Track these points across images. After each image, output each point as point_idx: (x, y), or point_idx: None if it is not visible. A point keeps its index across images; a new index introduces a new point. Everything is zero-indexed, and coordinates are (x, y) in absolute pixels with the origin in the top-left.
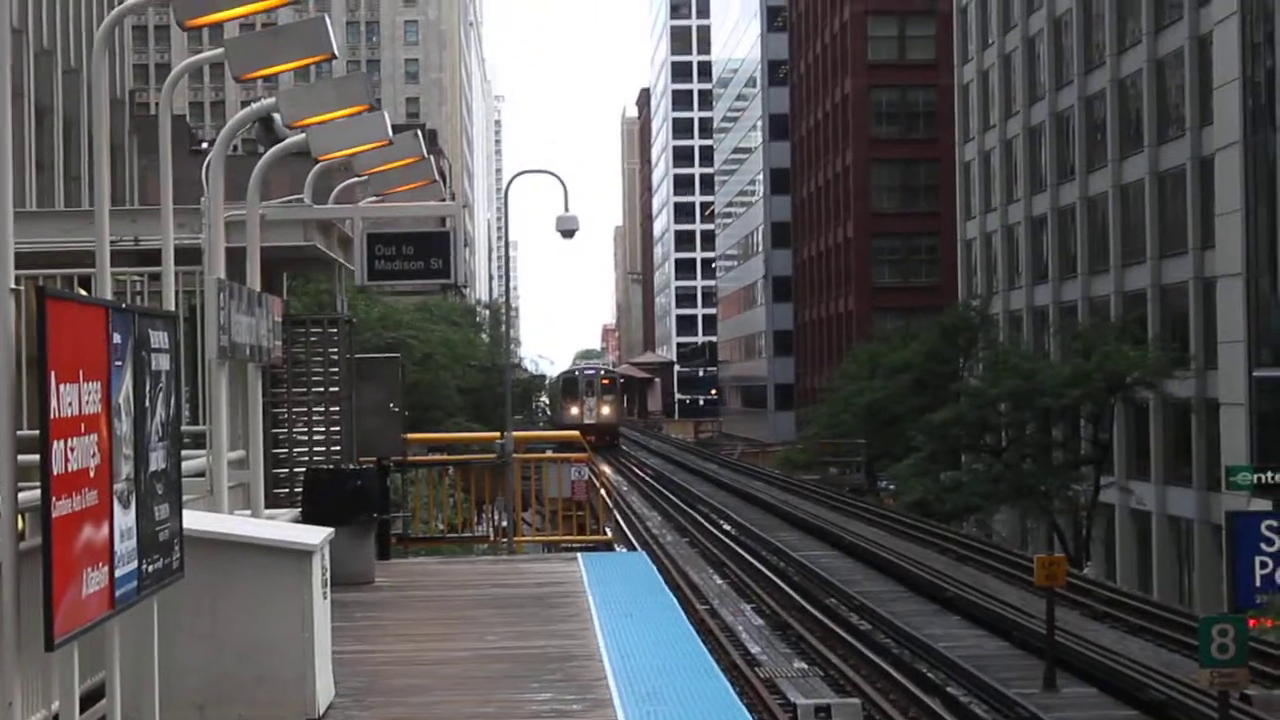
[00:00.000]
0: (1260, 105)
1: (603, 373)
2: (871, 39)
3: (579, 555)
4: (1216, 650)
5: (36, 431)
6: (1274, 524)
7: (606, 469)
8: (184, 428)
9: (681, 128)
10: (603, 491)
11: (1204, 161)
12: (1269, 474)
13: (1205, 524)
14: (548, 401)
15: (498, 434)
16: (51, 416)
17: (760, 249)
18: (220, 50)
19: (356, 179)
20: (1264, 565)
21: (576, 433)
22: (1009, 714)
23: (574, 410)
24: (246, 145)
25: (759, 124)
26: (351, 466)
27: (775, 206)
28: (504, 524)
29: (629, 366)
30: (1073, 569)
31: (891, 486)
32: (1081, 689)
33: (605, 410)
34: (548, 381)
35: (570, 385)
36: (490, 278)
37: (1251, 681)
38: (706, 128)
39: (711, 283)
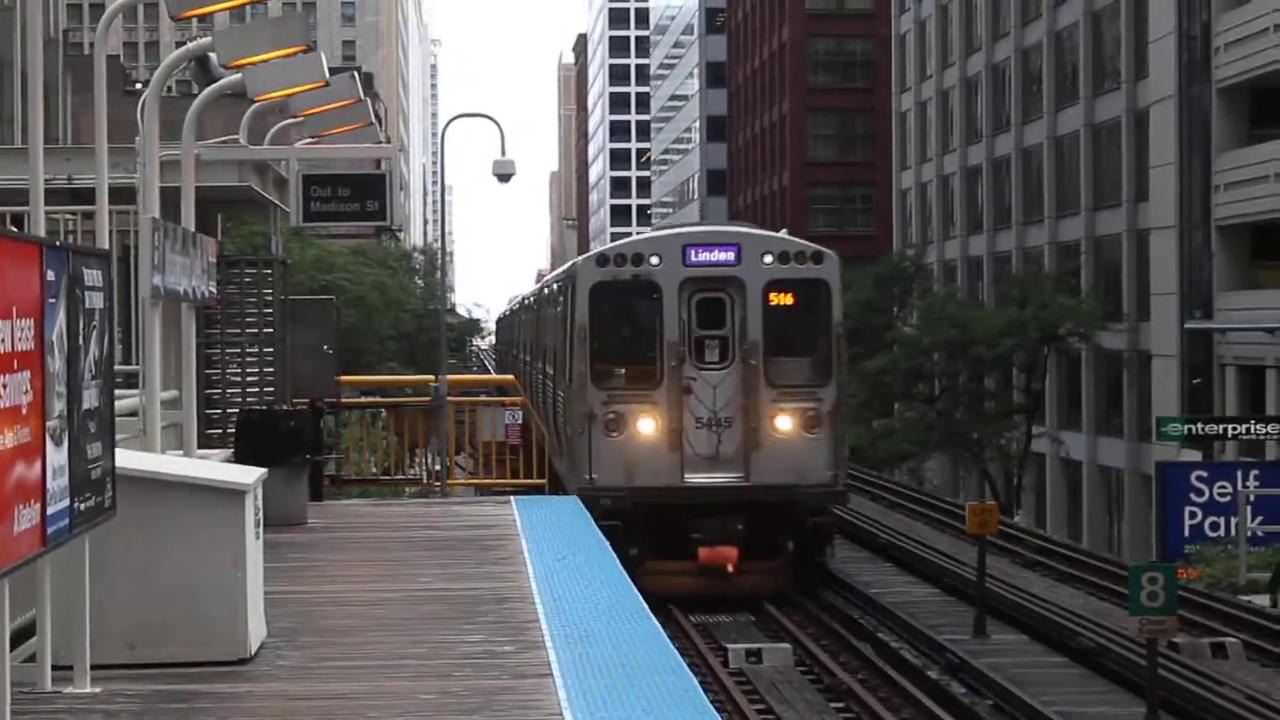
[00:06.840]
0: (1195, 59)
1: (793, 253)
2: None
3: (512, 499)
4: (1146, 598)
5: None
6: (1203, 474)
7: None
8: (117, 367)
9: (618, 74)
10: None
11: (1139, 114)
12: (1199, 425)
13: (1135, 474)
14: (492, 351)
15: (432, 377)
16: None
17: (696, 196)
18: None
19: (292, 120)
20: (1193, 515)
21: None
22: (939, 659)
23: (641, 424)
24: (181, 86)
25: (695, 71)
26: (284, 407)
27: (711, 154)
28: (437, 467)
29: None
30: (1004, 517)
31: None
32: (1011, 635)
33: (803, 419)
34: (516, 310)
35: (616, 309)
36: (425, 222)
37: (1179, 630)
38: (643, 74)
39: (647, 229)
